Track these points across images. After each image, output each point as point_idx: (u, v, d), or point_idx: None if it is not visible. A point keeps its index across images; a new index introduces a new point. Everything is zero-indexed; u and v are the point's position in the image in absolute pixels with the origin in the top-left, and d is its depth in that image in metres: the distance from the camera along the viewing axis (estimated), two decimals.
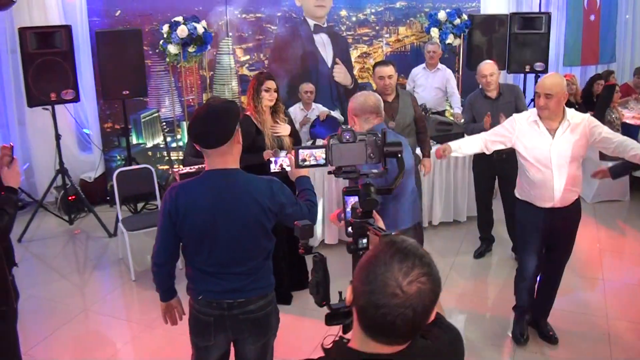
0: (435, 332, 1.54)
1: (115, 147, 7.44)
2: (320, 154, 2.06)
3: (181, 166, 5.89)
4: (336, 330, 1.70)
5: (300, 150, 2.08)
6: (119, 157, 7.43)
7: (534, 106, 3.94)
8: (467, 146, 4.25)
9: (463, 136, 6.37)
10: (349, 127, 2.05)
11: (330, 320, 1.79)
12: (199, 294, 2.75)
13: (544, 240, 4.05)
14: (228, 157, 2.64)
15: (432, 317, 1.41)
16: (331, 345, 1.51)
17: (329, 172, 2.13)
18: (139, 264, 5.60)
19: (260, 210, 2.66)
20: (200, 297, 2.74)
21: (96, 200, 7.09)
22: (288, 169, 3.01)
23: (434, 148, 4.69)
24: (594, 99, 7.87)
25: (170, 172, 7.12)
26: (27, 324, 4.55)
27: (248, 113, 4.64)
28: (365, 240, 1.91)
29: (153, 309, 4.79)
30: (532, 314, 4.32)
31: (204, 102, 6.72)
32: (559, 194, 3.86)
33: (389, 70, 5.06)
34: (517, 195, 4.17)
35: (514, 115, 4.13)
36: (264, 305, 2.81)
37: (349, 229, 1.97)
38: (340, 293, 1.86)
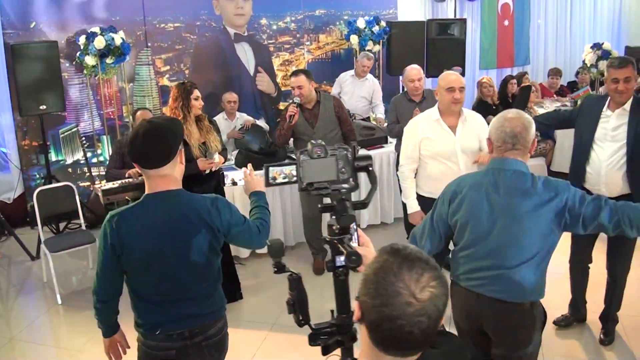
0: (441, 340, 1.48)
1: (34, 165, 7.15)
2: (291, 170, 2.00)
3: (103, 182, 5.72)
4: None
5: (271, 168, 2.00)
6: (38, 176, 7.14)
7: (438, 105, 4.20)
8: (413, 190, 4.36)
9: (386, 139, 6.55)
10: (319, 142, 1.97)
11: (313, 340, 1.75)
12: (155, 328, 2.56)
13: None
14: (170, 179, 2.49)
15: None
16: None
17: (300, 189, 2.04)
18: (64, 287, 5.42)
19: (208, 230, 2.54)
20: (158, 331, 2.56)
21: (17, 222, 6.78)
22: (240, 183, 2.88)
23: None
24: (510, 99, 8.16)
25: (92, 189, 6.91)
26: None
27: None
28: (342, 258, 1.83)
29: (82, 333, 4.69)
30: None
31: (131, 114, 6.56)
32: None
33: (297, 80, 5.19)
34: (419, 193, 4.33)
35: (410, 122, 4.38)
36: (222, 327, 2.72)
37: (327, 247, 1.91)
38: (332, 312, 1.85)
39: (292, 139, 5.47)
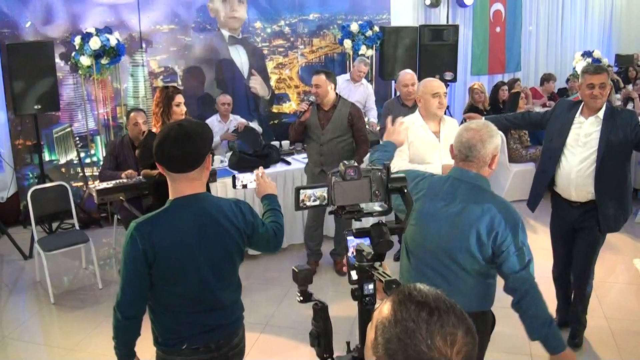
0: None
1: (27, 164, 7.16)
2: (322, 192, 1.89)
3: (97, 182, 5.76)
4: None
5: (301, 191, 1.89)
6: (31, 175, 7.15)
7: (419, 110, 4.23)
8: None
9: (378, 142, 6.57)
10: (352, 162, 1.87)
11: None
12: (182, 342, 2.45)
13: None
14: (197, 183, 2.42)
15: None
16: None
17: (330, 212, 1.95)
18: (57, 287, 5.43)
19: (236, 234, 2.47)
20: (185, 345, 2.45)
21: (10, 222, 6.78)
22: (251, 186, 2.75)
23: None
24: (500, 105, 8.24)
25: (85, 189, 6.93)
26: None
27: (153, 129, 4.60)
28: (371, 286, 1.74)
29: (75, 332, 4.72)
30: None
31: (125, 115, 6.57)
32: None
33: (317, 79, 5.22)
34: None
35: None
36: (242, 335, 2.67)
37: (353, 273, 1.79)
38: (348, 344, 1.75)
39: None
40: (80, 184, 7.22)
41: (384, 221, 1.82)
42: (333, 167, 5.43)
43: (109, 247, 6.50)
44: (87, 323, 4.83)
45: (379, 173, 1.86)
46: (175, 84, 7.27)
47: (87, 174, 7.22)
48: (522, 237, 2.54)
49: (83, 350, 4.43)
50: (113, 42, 6.81)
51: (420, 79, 8.13)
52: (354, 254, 1.80)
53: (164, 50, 7.76)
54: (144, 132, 5.75)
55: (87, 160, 7.38)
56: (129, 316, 2.40)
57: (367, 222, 1.86)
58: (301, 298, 1.83)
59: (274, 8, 8.40)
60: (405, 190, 1.90)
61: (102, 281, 5.49)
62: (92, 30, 6.77)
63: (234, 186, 2.73)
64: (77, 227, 5.78)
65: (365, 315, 1.73)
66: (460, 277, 2.61)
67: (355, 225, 2.63)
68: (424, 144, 4.16)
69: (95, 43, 6.67)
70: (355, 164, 1.86)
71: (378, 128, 6.50)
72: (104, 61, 6.86)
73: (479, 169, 2.62)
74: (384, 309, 1.22)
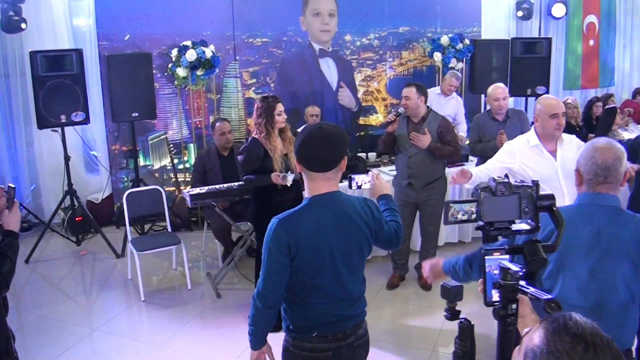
0: None
1: (122, 168, 7.51)
2: (471, 207, 1.87)
3: (189, 187, 5.97)
4: None
5: (451, 205, 1.89)
6: (125, 179, 7.50)
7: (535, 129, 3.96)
8: (479, 179, 4.07)
9: (467, 157, 6.49)
10: (503, 178, 1.87)
11: None
12: (312, 330, 2.57)
13: None
14: (332, 182, 2.54)
15: None
16: None
17: (477, 228, 1.92)
18: (147, 285, 5.62)
19: (368, 230, 2.59)
20: (315, 333, 2.56)
21: (103, 222, 7.11)
22: (366, 186, 2.83)
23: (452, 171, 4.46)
24: (594, 122, 7.98)
25: (177, 194, 7.18)
26: (35, 346, 4.58)
27: (255, 136, 4.71)
28: (515, 306, 1.71)
29: (164, 329, 4.86)
30: None
31: (211, 125, 6.75)
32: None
33: (407, 91, 5.15)
34: None
35: (507, 144, 4.15)
36: (366, 327, 2.74)
37: (493, 292, 1.77)
38: None
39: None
40: (173, 188, 7.48)
41: (537, 238, 1.80)
42: (420, 180, 5.39)
43: (198, 250, 6.68)
44: (175, 321, 4.97)
45: (529, 190, 1.84)
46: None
47: (179, 179, 7.48)
48: None
49: (171, 348, 4.55)
50: (208, 54, 7.06)
51: (511, 93, 8.07)
52: (496, 273, 1.77)
53: (257, 63, 7.97)
54: (229, 141, 5.95)
55: (180, 167, 7.65)
56: (269, 305, 2.54)
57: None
58: (450, 315, 1.83)
59: (364, 21, 8.47)
60: (555, 208, 1.87)
61: (192, 282, 5.64)
62: (189, 43, 7.04)
63: (350, 187, 2.80)
64: (169, 230, 5.98)
65: (505, 335, 1.71)
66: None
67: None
68: (537, 166, 3.88)
69: (191, 55, 6.95)
70: (507, 179, 1.85)
71: (467, 142, 6.40)
72: (199, 72, 7.12)
73: (615, 189, 2.50)
74: (535, 336, 1.19)
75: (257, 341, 2.66)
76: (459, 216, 1.87)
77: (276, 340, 2.73)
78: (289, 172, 4.60)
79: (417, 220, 5.54)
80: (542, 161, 3.89)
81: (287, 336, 2.65)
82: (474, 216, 1.86)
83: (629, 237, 2.36)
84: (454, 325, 4.75)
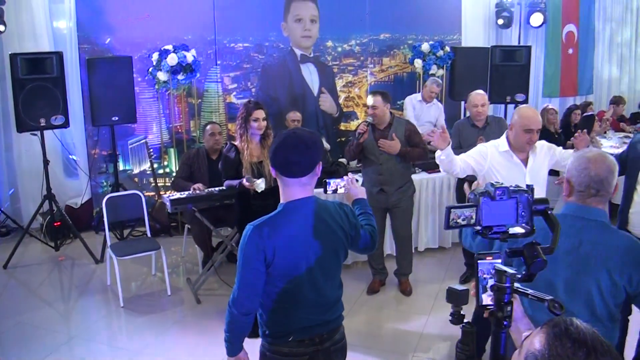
0: None
1: (102, 173, 7.46)
2: (471, 212, 1.86)
3: (169, 192, 5.93)
4: None
5: (452, 210, 1.86)
6: (105, 183, 7.45)
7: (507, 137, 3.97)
8: (454, 160, 4.05)
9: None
10: (501, 183, 1.87)
11: None
12: (289, 335, 2.59)
13: None
14: (307, 188, 2.55)
15: None
16: None
17: (476, 232, 1.93)
18: (126, 291, 5.58)
19: (344, 235, 2.62)
20: (291, 338, 2.58)
21: (82, 227, 7.04)
22: (341, 191, 2.86)
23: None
24: (572, 129, 8.06)
25: (157, 199, 7.14)
26: (13, 352, 4.52)
27: (234, 142, 4.70)
28: (510, 308, 1.72)
29: (143, 335, 4.82)
30: None
31: (201, 127, 6.75)
32: None
33: (373, 100, 5.20)
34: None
35: (481, 145, 4.18)
36: (343, 332, 2.76)
37: (485, 296, 1.79)
38: None
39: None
40: (152, 193, 7.45)
41: (536, 241, 1.82)
42: (393, 185, 5.43)
43: (178, 255, 6.65)
44: (155, 328, 4.95)
45: (526, 195, 1.86)
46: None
47: (159, 184, 7.44)
48: None
49: (150, 354, 4.53)
50: (189, 58, 7.04)
51: (491, 100, 8.13)
52: (486, 277, 1.80)
53: (238, 68, 7.96)
54: (219, 143, 5.92)
55: (160, 171, 7.61)
56: (244, 312, 2.53)
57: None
58: (455, 319, 1.82)
59: (345, 27, 8.52)
60: (550, 212, 1.89)
61: (171, 288, 5.62)
62: (170, 47, 7.02)
63: (325, 191, 2.83)
64: (149, 235, 5.95)
65: (499, 337, 1.73)
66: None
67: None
68: (505, 171, 3.91)
69: (172, 59, 6.92)
70: (504, 184, 1.87)
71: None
72: (180, 77, 7.09)
73: (605, 204, 2.46)
74: (536, 340, 1.20)
75: (233, 348, 2.66)
76: (460, 221, 1.87)
77: (253, 346, 2.74)
78: (262, 178, 4.54)
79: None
80: (512, 167, 3.93)
81: (264, 341, 2.66)
82: (472, 221, 1.87)
83: (612, 253, 2.35)
84: (434, 330, 4.81)
